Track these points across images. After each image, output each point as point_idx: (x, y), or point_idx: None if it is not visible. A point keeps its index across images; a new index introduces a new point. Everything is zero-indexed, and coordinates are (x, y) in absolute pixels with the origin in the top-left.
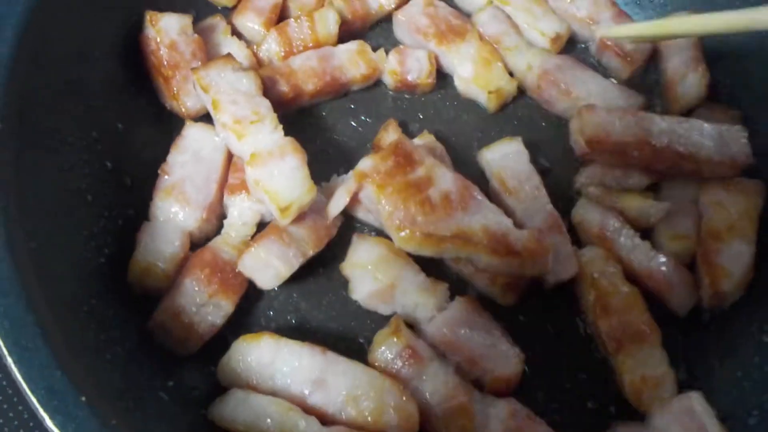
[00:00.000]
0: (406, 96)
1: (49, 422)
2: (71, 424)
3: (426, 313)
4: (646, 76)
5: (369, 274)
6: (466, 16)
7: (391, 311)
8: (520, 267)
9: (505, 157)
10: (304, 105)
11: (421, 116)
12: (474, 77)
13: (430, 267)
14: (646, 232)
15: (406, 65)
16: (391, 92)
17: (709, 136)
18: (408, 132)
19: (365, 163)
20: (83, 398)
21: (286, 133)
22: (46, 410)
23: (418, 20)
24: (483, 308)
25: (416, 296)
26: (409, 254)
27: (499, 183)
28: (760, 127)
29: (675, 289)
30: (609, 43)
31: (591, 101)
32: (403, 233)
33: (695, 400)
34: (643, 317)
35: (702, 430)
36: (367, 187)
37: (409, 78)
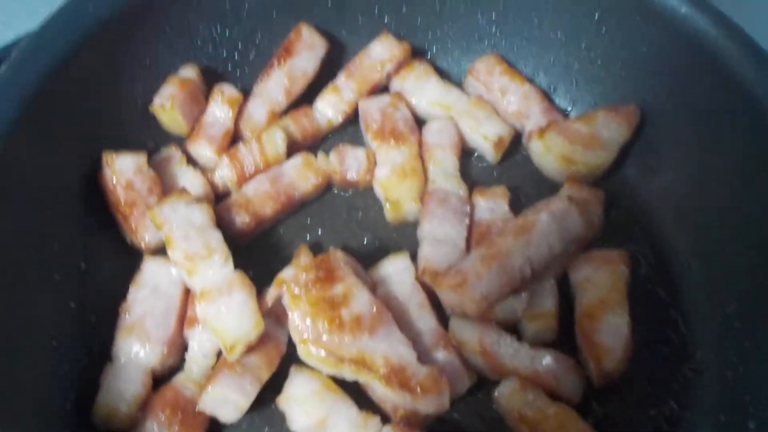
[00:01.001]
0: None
1: None
2: None
3: None
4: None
5: (301, 409)
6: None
7: None
8: (414, 402)
9: (389, 277)
10: (267, 228)
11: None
12: (383, 182)
13: None
14: None
15: (346, 164)
16: (345, 203)
17: (552, 231)
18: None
19: (287, 272)
20: None
21: (241, 263)
22: None
23: (371, 113)
24: (410, 427)
25: None
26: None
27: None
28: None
29: (563, 382)
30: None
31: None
32: (304, 347)
33: None
34: (580, 428)
35: None
36: (284, 295)
37: (348, 176)
